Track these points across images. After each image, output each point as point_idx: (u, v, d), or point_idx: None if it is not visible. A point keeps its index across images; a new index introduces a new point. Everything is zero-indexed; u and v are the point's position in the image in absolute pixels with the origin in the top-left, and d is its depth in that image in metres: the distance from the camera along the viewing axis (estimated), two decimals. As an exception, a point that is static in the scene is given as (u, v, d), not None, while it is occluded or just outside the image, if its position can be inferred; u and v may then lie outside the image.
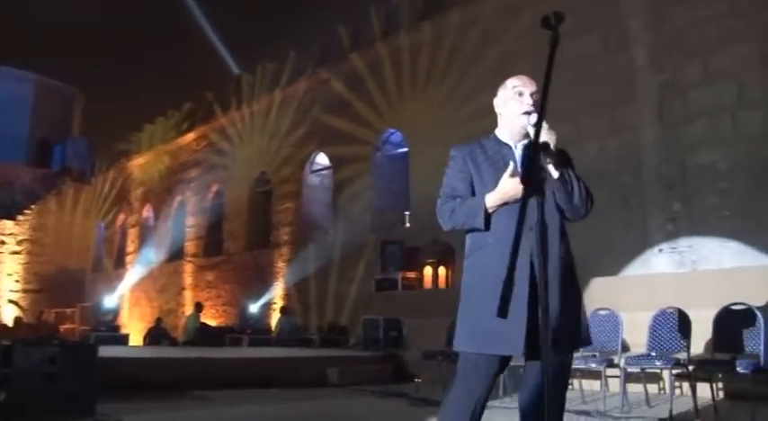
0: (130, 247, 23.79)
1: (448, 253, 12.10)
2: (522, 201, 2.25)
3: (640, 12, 10.25)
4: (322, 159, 16.70)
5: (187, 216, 21.17)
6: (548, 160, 2.51)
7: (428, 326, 9.24)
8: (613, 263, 9.64)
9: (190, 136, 21.58)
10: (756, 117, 8.90)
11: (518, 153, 2.73)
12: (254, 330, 14.60)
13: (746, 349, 5.50)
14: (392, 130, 14.76)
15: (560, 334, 2.42)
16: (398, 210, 13.95)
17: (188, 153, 21.62)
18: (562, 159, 2.61)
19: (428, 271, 12.11)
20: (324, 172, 16.75)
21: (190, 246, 20.73)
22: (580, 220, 2.68)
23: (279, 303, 16.23)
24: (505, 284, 2.04)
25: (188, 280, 20.41)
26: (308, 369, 8.91)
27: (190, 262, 20.49)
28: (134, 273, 22.65)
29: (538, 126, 2.28)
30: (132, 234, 23.91)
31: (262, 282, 16.96)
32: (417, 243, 12.57)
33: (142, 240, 23.09)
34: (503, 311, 2.02)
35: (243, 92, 19.31)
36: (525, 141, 2.72)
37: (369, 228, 14.10)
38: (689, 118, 9.58)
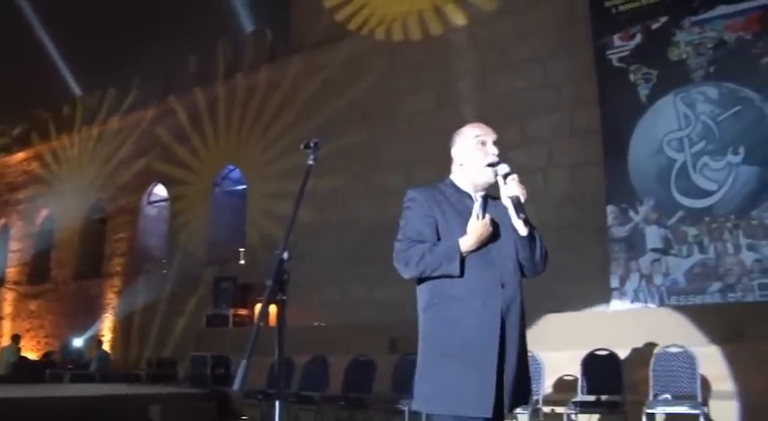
0: (-57, 270, 21.94)
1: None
2: (491, 255, 2.43)
3: (467, 75, 11.13)
4: (161, 190, 16.42)
5: (11, 240, 19.87)
6: (520, 215, 2.43)
7: (257, 364, 9.30)
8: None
9: (20, 155, 20.36)
10: (562, 179, 9.94)
11: (478, 204, 2.58)
12: (77, 365, 13.97)
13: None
14: (231, 167, 14.85)
15: (516, 392, 2.42)
16: (234, 246, 13.95)
17: (17, 173, 20.38)
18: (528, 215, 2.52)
19: (259, 308, 12.15)
20: (162, 203, 16.47)
21: (12, 273, 19.47)
22: (535, 277, 2.65)
23: (107, 336, 15.66)
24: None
25: (8, 309, 19.12)
26: (129, 407, 8.68)
27: (11, 289, 19.23)
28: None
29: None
30: (-54, 256, 22.08)
31: (89, 314, 16.27)
32: (250, 280, 12.64)
33: (-43, 263, 21.37)
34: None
35: (83, 115, 18.58)
36: (483, 193, 2.62)
37: (203, 263, 14.03)
38: (508, 175, 10.46)
